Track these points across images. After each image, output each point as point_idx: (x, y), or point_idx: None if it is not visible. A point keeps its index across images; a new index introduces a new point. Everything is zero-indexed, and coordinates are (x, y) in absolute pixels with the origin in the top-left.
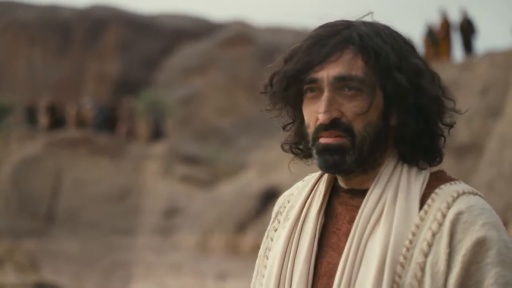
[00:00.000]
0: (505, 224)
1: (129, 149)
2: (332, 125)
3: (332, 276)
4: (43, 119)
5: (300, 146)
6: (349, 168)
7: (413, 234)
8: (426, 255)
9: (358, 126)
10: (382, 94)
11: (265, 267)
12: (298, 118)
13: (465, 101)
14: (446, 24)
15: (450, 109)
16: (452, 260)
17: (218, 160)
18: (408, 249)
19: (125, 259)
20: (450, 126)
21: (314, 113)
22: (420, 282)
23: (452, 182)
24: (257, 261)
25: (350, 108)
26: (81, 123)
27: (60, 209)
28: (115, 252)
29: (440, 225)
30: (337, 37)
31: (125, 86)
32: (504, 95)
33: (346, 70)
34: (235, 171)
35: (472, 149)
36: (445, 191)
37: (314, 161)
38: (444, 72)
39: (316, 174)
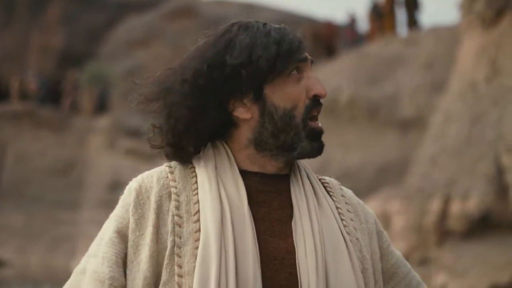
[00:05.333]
0: (448, 199)
1: (73, 122)
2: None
3: (285, 259)
4: None
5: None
6: None
7: (341, 214)
8: (356, 231)
9: None
10: None
11: (180, 266)
12: (207, 110)
13: (410, 76)
14: None
15: None
16: (372, 233)
17: None
18: (346, 226)
19: (69, 232)
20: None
21: (303, 92)
22: (362, 252)
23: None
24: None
25: None
26: (24, 96)
27: (4, 183)
28: (59, 226)
29: (350, 205)
30: (293, 31)
31: (69, 58)
32: (448, 70)
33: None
34: None
35: (416, 124)
36: (330, 179)
37: (302, 144)
38: (389, 46)
39: (176, 165)
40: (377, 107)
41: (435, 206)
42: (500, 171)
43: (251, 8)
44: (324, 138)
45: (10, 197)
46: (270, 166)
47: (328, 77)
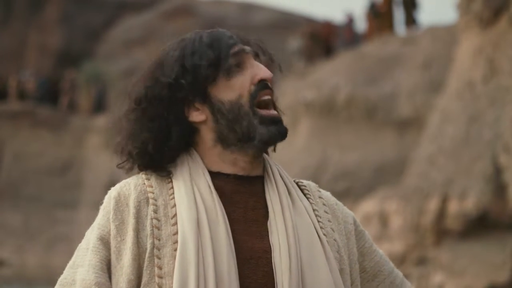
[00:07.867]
0: (446, 198)
1: (71, 121)
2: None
3: (261, 258)
4: None
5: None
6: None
7: (318, 216)
8: (334, 232)
9: None
10: None
11: (160, 267)
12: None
13: (407, 76)
14: None
15: None
16: (351, 234)
17: None
18: (323, 228)
19: (67, 232)
20: None
21: (246, 80)
22: (340, 253)
23: None
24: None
25: None
26: (22, 95)
27: (2, 182)
28: (57, 226)
29: (327, 207)
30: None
31: (67, 58)
32: (446, 70)
33: None
34: None
35: (414, 124)
36: (308, 182)
37: (259, 131)
38: (387, 46)
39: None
40: (375, 106)
41: (432, 205)
42: (497, 171)
43: (249, 7)
44: (321, 137)
45: (7, 197)
46: (243, 162)
47: (326, 76)
